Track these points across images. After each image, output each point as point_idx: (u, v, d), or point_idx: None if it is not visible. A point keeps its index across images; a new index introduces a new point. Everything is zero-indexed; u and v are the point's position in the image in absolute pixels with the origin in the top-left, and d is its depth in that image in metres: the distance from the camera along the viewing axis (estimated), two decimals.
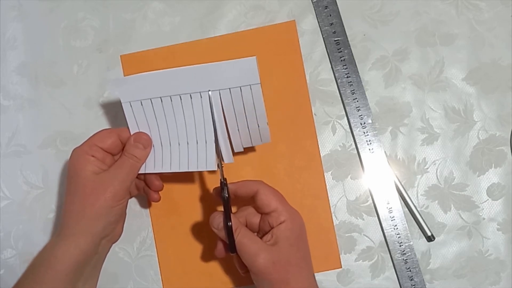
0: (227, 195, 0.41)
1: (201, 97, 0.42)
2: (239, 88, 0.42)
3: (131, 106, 0.43)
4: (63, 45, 0.53)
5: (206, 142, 0.44)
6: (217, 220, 0.41)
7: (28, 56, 0.53)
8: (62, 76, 0.53)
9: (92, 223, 0.41)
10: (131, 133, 0.44)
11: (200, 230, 0.51)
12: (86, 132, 0.51)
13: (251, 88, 0.42)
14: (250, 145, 0.46)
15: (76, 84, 0.52)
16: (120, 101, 0.43)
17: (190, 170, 0.44)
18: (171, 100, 0.42)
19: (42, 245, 0.50)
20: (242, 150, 0.47)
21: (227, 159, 0.44)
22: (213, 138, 0.43)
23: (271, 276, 0.39)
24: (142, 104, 0.43)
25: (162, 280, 0.51)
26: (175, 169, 0.44)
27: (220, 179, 0.42)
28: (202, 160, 0.44)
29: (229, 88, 0.42)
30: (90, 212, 0.41)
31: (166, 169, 0.44)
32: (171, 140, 0.44)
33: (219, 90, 0.42)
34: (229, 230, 0.39)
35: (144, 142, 0.44)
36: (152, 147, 0.44)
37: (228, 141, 0.44)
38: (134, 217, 0.51)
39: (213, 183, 0.51)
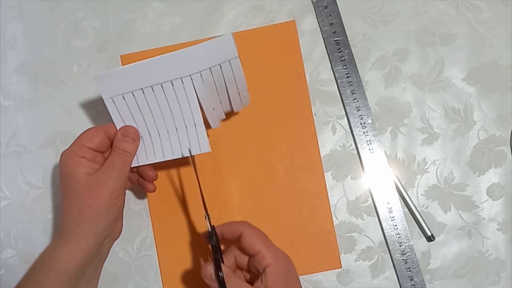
0: (216, 243, 0.40)
1: (182, 82, 0.42)
2: (219, 65, 0.42)
3: (113, 101, 0.43)
4: (63, 45, 0.53)
5: (195, 125, 0.43)
6: (209, 271, 0.39)
7: (28, 56, 0.53)
8: (62, 76, 0.53)
9: (93, 225, 0.41)
10: (117, 128, 0.44)
11: (200, 230, 0.51)
12: None
13: (230, 63, 0.42)
14: (230, 111, 0.47)
15: (76, 84, 0.52)
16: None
17: (184, 155, 0.44)
18: (153, 90, 0.42)
19: (42, 245, 0.50)
20: (224, 117, 0.47)
21: (204, 149, 0.44)
22: (201, 120, 0.43)
23: None
24: (124, 98, 0.42)
25: (162, 280, 0.51)
26: (168, 157, 0.44)
27: (208, 229, 0.41)
28: (194, 144, 0.44)
29: (210, 68, 0.42)
30: (89, 215, 0.41)
31: (159, 158, 0.44)
32: (159, 129, 0.44)
33: (200, 72, 0.42)
34: (221, 282, 0.38)
35: (132, 135, 0.43)
36: (141, 139, 0.44)
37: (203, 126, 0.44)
38: (134, 217, 0.51)
39: (213, 181, 0.51)
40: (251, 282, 0.40)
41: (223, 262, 0.41)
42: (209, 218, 0.41)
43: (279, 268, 0.40)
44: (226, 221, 0.43)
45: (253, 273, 0.41)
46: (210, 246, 0.41)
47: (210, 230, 0.41)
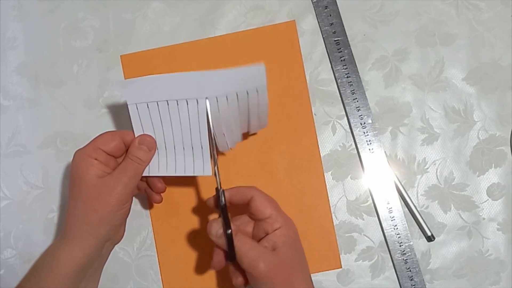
0: (224, 202, 0.40)
1: (207, 102, 0.42)
2: (246, 92, 0.42)
3: (137, 108, 0.42)
4: (63, 45, 0.53)
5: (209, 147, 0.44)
6: (215, 227, 0.39)
7: (28, 56, 0.53)
8: (62, 76, 0.53)
9: (96, 228, 0.41)
10: (136, 136, 0.43)
11: (200, 230, 0.51)
12: (86, 132, 0.51)
13: (257, 91, 0.42)
14: (246, 132, 0.48)
15: (76, 84, 0.52)
16: (122, 103, 0.43)
17: (195, 174, 0.44)
18: (177, 104, 0.42)
19: (42, 245, 0.50)
20: (241, 140, 0.48)
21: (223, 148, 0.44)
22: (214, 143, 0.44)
23: (273, 280, 0.38)
24: (148, 107, 0.42)
25: (162, 280, 0.51)
26: (180, 173, 0.44)
27: (216, 187, 0.41)
28: (207, 166, 0.43)
29: (236, 93, 0.42)
30: (93, 217, 0.41)
31: (170, 173, 0.44)
32: (176, 144, 0.44)
33: (226, 95, 0.42)
34: (229, 238, 0.38)
35: (149, 144, 0.43)
36: (156, 150, 0.44)
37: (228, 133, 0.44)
38: (134, 217, 0.51)
39: (213, 183, 0.51)
40: None
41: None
42: (219, 176, 0.41)
43: (289, 232, 0.41)
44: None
45: (259, 240, 0.41)
46: (218, 207, 0.41)
47: (219, 188, 0.41)
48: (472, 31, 0.51)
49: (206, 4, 0.53)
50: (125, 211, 0.42)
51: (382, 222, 0.50)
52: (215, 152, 0.42)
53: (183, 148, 0.44)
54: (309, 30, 0.52)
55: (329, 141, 0.51)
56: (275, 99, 0.51)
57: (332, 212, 0.50)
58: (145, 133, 0.44)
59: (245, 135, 0.49)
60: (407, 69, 0.51)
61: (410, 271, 0.49)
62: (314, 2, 0.52)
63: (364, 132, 0.50)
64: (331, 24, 0.51)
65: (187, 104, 0.42)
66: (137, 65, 0.52)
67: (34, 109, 0.52)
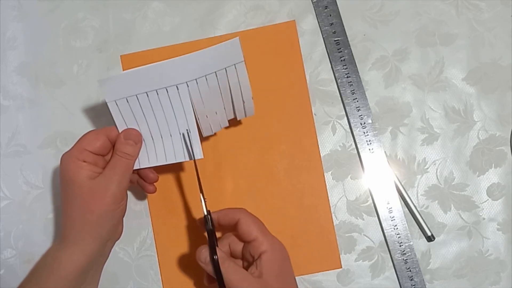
0: (211, 227, 0.40)
1: (188, 86, 0.42)
2: (224, 69, 0.42)
3: (116, 104, 0.42)
4: (63, 45, 0.53)
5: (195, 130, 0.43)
6: (204, 254, 0.39)
7: (28, 56, 0.53)
8: (62, 76, 0.53)
9: (96, 230, 0.41)
10: (119, 131, 0.43)
11: (200, 230, 0.51)
12: None
13: (235, 67, 0.42)
14: (233, 117, 0.47)
15: (76, 84, 0.52)
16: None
17: (186, 159, 0.44)
18: (158, 94, 0.42)
19: (42, 245, 0.50)
20: (227, 124, 0.47)
21: (198, 155, 0.44)
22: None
23: None
24: (128, 101, 0.42)
25: (162, 280, 0.51)
26: (171, 160, 0.44)
27: (204, 212, 0.41)
28: (197, 148, 0.43)
29: (215, 72, 0.42)
30: (92, 220, 0.40)
31: (161, 162, 0.44)
32: (162, 133, 0.44)
33: (205, 76, 0.41)
34: (215, 265, 0.38)
35: (135, 138, 0.43)
36: (143, 141, 0.44)
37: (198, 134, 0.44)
38: (134, 217, 0.51)
39: (214, 181, 0.51)
40: (245, 269, 0.40)
41: (218, 247, 0.41)
42: (205, 202, 0.41)
43: (274, 256, 0.40)
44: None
45: (247, 261, 0.41)
46: (205, 232, 0.41)
47: (206, 213, 0.41)
48: (472, 31, 0.51)
49: (206, 4, 0.53)
50: (122, 209, 0.42)
51: (382, 222, 0.50)
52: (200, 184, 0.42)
53: (171, 136, 0.44)
54: (309, 30, 0.52)
55: (329, 141, 0.51)
56: (275, 99, 0.51)
57: (332, 212, 0.50)
58: (128, 127, 0.43)
59: (232, 121, 0.48)
60: (407, 69, 0.51)
61: (410, 271, 0.49)
62: (314, 2, 0.52)
63: (364, 132, 0.50)
64: (331, 24, 0.51)
65: (168, 92, 0.42)
66: (137, 65, 0.51)
67: (34, 109, 0.52)
